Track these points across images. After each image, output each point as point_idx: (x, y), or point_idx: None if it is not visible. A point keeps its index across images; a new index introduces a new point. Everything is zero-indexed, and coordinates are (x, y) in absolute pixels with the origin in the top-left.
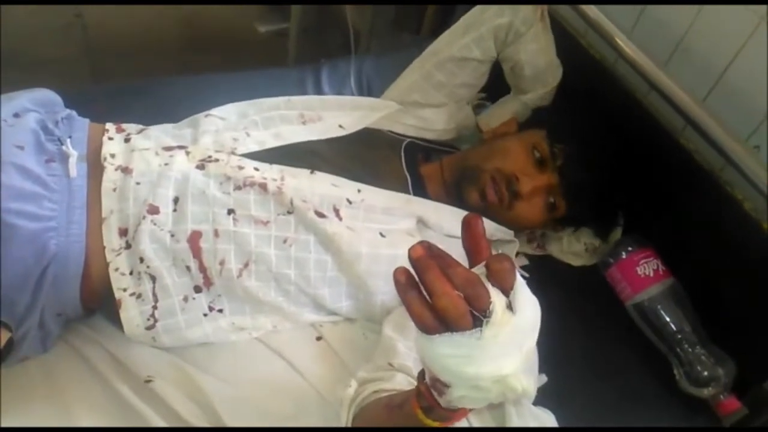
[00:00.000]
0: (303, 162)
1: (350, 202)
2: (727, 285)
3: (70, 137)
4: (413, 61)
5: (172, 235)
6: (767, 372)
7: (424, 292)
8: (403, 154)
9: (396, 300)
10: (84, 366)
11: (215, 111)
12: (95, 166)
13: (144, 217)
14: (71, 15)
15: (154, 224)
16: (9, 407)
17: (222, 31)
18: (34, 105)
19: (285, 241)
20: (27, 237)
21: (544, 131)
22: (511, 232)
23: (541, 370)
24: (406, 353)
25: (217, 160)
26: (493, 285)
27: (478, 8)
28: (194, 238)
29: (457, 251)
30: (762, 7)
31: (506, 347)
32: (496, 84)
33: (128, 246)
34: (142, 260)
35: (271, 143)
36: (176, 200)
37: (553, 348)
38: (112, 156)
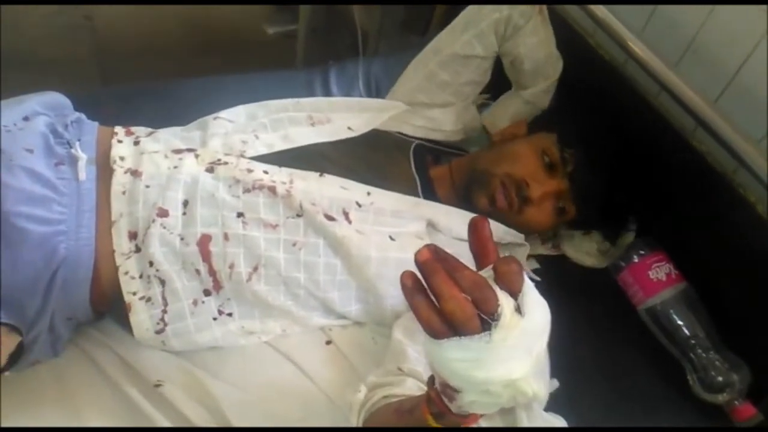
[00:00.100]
0: (312, 165)
1: (359, 205)
2: (740, 289)
3: (79, 140)
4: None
5: (182, 239)
6: None
7: (432, 296)
8: (412, 156)
9: (405, 304)
10: (94, 369)
11: (224, 113)
12: (104, 169)
13: (153, 221)
14: (80, 17)
15: (164, 227)
16: (19, 410)
17: (230, 32)
18: (44, 108)
19: (294, 245)
20: (37, 241)
21: (554, 135)
22: (522, 236)
23: (552, 375)
24: (416, 358)
25: (226, 163)
26: (501, 288)
27: (474, 6)
28: (204, 241)
29: (466, 254)
30: None
31: (516, 350)
32: (500, 82)
33: (138, 249)
34: (151, 264)
35: (280, 146)
36: (186, 203)
37: (563, 352)
38: (122, 159)
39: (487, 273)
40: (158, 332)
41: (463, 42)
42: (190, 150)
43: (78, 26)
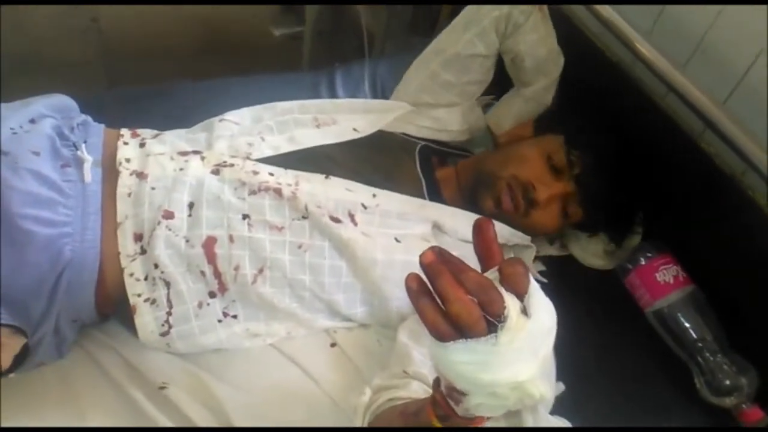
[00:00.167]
0: (318, 167)
1: (365, 207)
2: (749, 292)
3: (85, 142)
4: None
5: (187, 241)
6: None
7: (437, 299)
8: (417, 157)
9: (411, 306)
10: (98, 371)
11: (229, 115)
12: (110, 171)
13: (159, 223)
14: (87, 19)
15: (169, 230)
16: (23, 411)
17: (237, 34)
18: (50, 111)
19: (300, 247)
20: (42, 243)
21: (561, 137)
22: (528, 238)
23: (557, 378)
24: (422, 361)
25: (231, 165)
26: (506, 289)
27: (473, 6)
28: (209, 243)
29: (473, 256)
30: None
31: (522, 352)
32: (504, 82)
33: (143, 251)
34: (156, 266)
35: (286, 148)
36: (191, 205)
37: (569, 355)
38: (127, 161)
39: (492, 275)
40: (163, 334)
41: (465, 41)
42: (195, 152)
43: (84, 28)
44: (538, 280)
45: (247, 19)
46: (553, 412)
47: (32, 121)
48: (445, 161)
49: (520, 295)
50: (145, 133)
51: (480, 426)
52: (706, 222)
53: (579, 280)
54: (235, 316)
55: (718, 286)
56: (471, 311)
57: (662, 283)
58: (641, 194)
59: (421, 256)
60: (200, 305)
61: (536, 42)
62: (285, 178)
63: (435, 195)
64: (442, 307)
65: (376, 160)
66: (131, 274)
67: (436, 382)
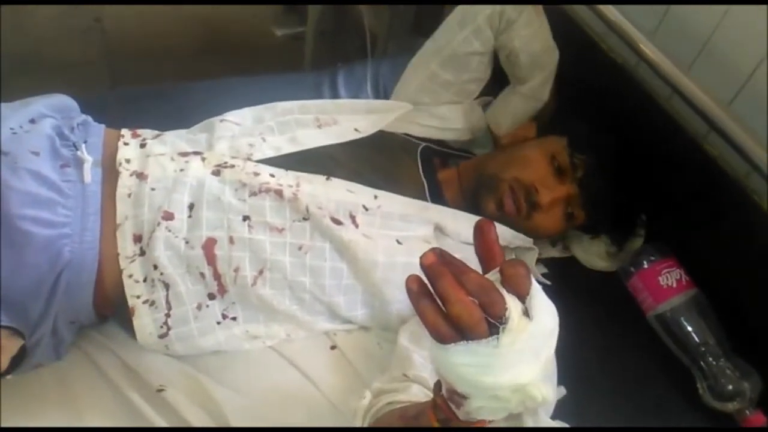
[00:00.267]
0: (319, 168)
1: (366, 209)
2: (753, 296)
3: (85, 142)
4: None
5: (187, 242)
6: None
7: (438, 300)
8: (419, 158)
9: (411, 309)
10: (96, 373)
11: (229, 116)
12: (110, 171)
13: (159, 224)
14: (90, 19)
15: (169, 231)
16: (21, 413)
17: (239, 34)
18: (50, 110)
19: (300, 249)
20: (41, 244)
21: (564, 139)
22: (530, 240)
23: (559, 382)
24: (422, 364)
25: (232, 166)
26: (508, 291)
27: (463, 6)
28: (209, 245)
29: (474, 258)
30: None
31: (524, 354)
32: (502, 81)
33: (142, 253)
34: (156, 267)
35: (287, 149)
36: (191, 206)
37: (571, 358)
38: (128, 161)
39: (493, 276)
40: (161, 336)
41: (461, 40)
42: (196, 153)
43: (85, 28)
44: (541, 283)
45: (248, 20)
46: (554, 417)
47: (32, 121)
48: (446, 163)
49: (522, 296)
50: (146, 133)
51: (481, 427)
52: (708, 224)
53: (581, 282)
54: (234, 318)
55: (721, 290)
56: (472, 312)
57: (665, 286)
58: (644, 196)
59: (421, 258)
60: (199, 307)
61: (530, 37)
62: (286, 179)
63: (437, 197)
64: (443, 308)
65: (377, 161)
66: (130, 276)
67: (437, 386)
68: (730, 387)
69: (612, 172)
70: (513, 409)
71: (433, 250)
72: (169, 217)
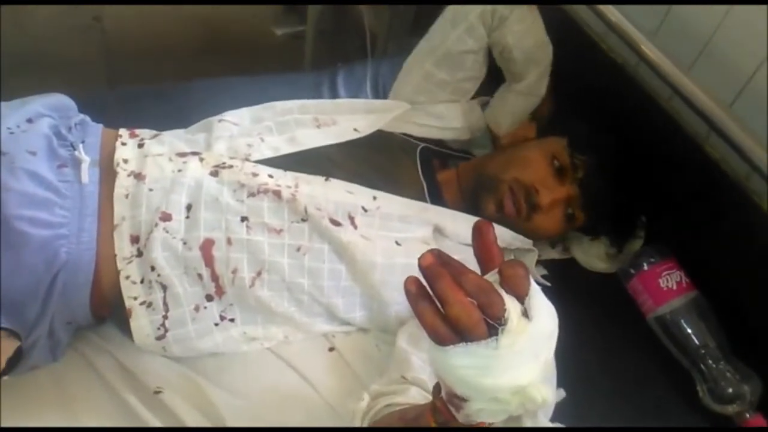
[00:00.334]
0: (318, 168)
1: (365, 210)
2: (753, 299)
3: (82, 142)
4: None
5: (185, 243)
6: None
7: (437, 302)
8: (418, 159)
9: (410, 311)
10: (93, 375)
11: (228, 116)
12: (108, 171)
13: (156, 225)
14: (90, 18)
15: (167, 232)
16: (17, 414)
17: (239, 33)
18: (48, 110)
19: (298, 250)
20: (38, 244)
21: (565, 140)
22: (530, 241)
23: (558, 384)
24: (421, 366)
25: (231, 167)
26: (507, 292)
27: (454, 5)
28: (207, 246)
29: (474, 260)
30: None
31: (523, 356)
32: (500, 80)
33: (140, 254)
34: (153, 268)
35: (286, 149)
36: (189, 207)
37: (571, 358)
38: (125, 162)
39: (492, 277)
40: (159, 338)
41: (455, 38)
42: (194, 153)
43: (85, 27)
44: (541, 284)
45: (248, 19)
46: (554, 416)
47: (29, 120)
48: (446, 163)
49: (521, 297)
50: (144, 133)
51: (481, 428)
52: (708, 224)
53: (581, 283)
54: (232, 320)
55: (721, 292)
56: (471, 314)
57: (665, 288)
58: (644, 197)
59: (419, 259)
60: (197, 308)
61: (523, 32)
62: (284, 180)
63: (436, 198)
64: (442, 310)
65: (376, 162)
66: (127, 277)
67: (437, 389)
68: (730, 390)
69: (612, 173)
70: (513, 411)
71: (431, 251)
72: (166, 217)
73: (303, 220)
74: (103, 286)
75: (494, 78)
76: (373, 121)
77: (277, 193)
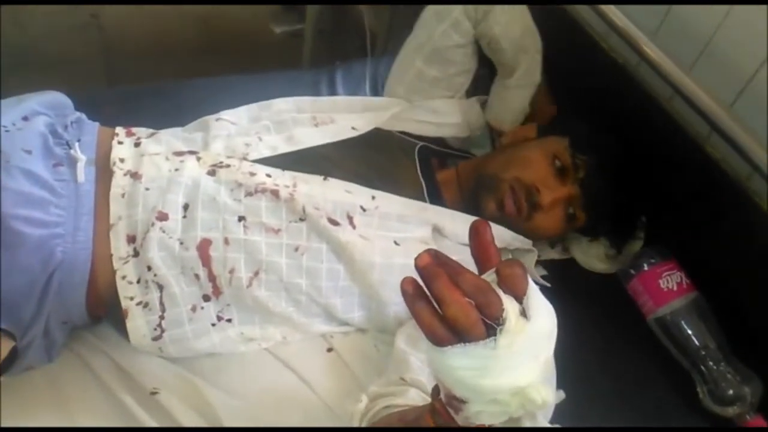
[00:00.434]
0: (316, 168)
1: (364, 210)
2: (753, 299)
3: (78, 141)
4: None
5: (181, 243)
6: None
7: (434, 302)
8: (417, 158)
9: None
10: (89, 375)
11: (225, 114)
12: (104, 170)
13: (153, 224)
14: (87, 16)
15: (163, 231)
16: (12, 415)
17: (237, 32)
18: (44, 108)
19: (296, 250)
20: (34, 244)
21: (566, 140)
22: (530, 242)
23: (558, 385)
24: (420, 367)
25: (228, 166)
26: (504, 292)
27: (433, 5)
28: (204, 245)
29: (472, 260)
30: None
31: (522, 356)
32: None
33: (136, 253)
34: (149, 268)
35: (284, 148)
36: (186, 207)
37: (570, 359)
38: (122, 161)
39: (490, 277)
40: (155, 339)
41: (440, 33)
42: (191, 152)
43: (84, 25)
44: (541, 285)
45: (247, 17)
46: (553, 418)
47: (25, 118)
48: (445, 163)
49: (519, 297)
50: (141, 131)
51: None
52: (709, 225)
53: (580, 283)
54: (229, 320)
55: (721, 293)
56: (468, 314)
57: (665, 289)
58: (644, 196)
59: (416, 259)
60: (194, 309)
61: (509, 22)
62: (282, 179)
63: (435, 198)
64: (439, 311)
65: (374, 161)
66: (123, 277)
67: (435, 390)
68: (731, 391)
69: (613, 173)
70: (513, 412)
71: (427, 251)
72: (163, 217)
73: (301, 219)
74: (99, 286)
75: (494, 78)
76: (371, 120)
77: (275, 193)
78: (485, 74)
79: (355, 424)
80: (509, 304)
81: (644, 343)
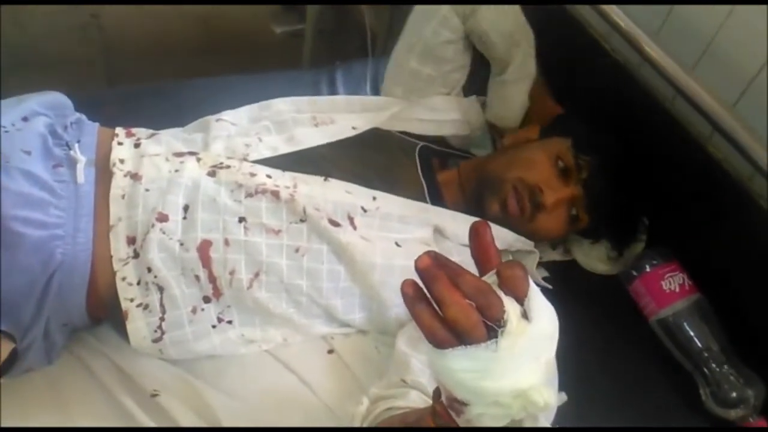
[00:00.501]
0: (316, 168)
1: (365, 211)
2: (755, 299)
3: (78, 142)
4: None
5: (182, 244)
6: None
7: (435, 304)
8: (417, 159)
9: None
10: (89, 377)
11: (225, 115)
12: (104, 171)
13: (153, 225)
14: (87, 16)
15: (163, 233)
16: (11, 417)
17: (238, 32)
18: (44, 108)
19: (297, 251)
20: (33, 245)
21: (569, 140)
22: (531, 243)
23: (559, 386)
24: (420, 369)
25: (228, 167)
26: (505, 293)
27: (421, 6)
28: (204, 247)
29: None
30: None
31: (524, 358)
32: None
33: (136, 255)
34: (149, 270)
35: (284, 149)
36: (186, 208)
37: (571, 360)
38: (122, 161)
39: (490, 279)
40: (155, 341)
41: (431, 31)
42: (191, 153)
43: (85, 25)
44: (543, 287)
45: (247, 17)
46: (555, 419)
47: (25, 119)
48: (446, 163)
49: (520, 298)
50: (141, 132)
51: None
52: (711, 226)
53: (582, 285)
54: (230, 322)
55: (724, 295)
56: (469, 315)
57: (668, 291)
58: (647, 197)
59: (416, 261)
60: (194, 310)
61: (497, 17)
62: (283, 180)
63: (436, 198)
64: (440, 313)
65: (375, 162)
66: (123, 278)
67: (437, 393)
68: (734, 394)
69: (616, 174)
70: (515, 415)
71: (427, 253)
72: (163, 218)
73: (301, 220)
74: (99, 288)
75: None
76: (370, 119)
77: (276, 194)
78: (485, 77)
79: (356, 426)
80: (510, 306)
81: (645, 344)
